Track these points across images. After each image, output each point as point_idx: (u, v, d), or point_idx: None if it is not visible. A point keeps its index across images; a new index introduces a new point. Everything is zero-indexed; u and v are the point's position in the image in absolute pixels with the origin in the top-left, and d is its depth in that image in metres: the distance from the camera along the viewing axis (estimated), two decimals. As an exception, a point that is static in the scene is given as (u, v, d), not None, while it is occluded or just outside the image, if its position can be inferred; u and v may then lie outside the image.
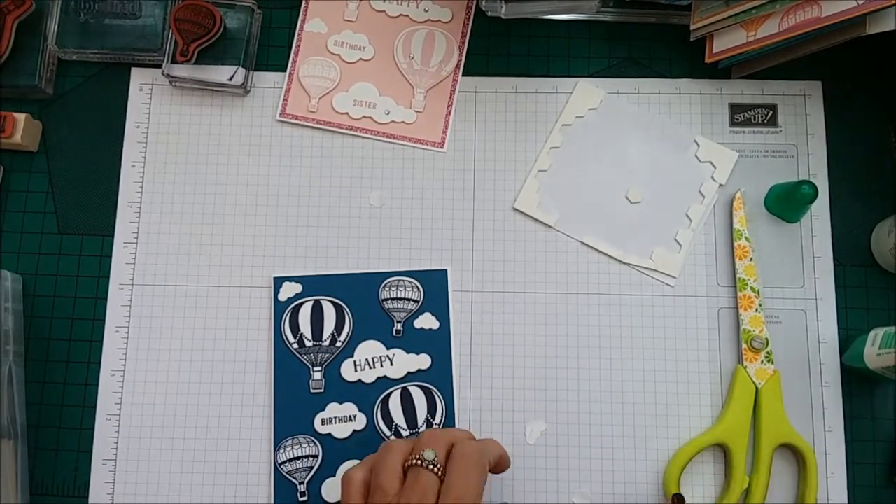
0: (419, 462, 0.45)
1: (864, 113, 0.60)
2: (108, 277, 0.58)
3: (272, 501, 0.54)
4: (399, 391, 0.56)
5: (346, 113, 0.60)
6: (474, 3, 0.61)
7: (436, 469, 0.45)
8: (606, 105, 0.60)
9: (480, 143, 0.60)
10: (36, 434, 0.56)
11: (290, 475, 0.54)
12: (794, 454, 0.55)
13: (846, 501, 0.54)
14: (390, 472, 0.46)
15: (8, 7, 0.59)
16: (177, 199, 0.59)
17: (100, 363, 0.57)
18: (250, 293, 0.58)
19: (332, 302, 0.57)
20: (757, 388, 0.55)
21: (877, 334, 0.52)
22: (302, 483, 0.54)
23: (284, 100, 0.60)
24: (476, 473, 0.45)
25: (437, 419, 0.55)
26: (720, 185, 0.58)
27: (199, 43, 0.59)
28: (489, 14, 0.56)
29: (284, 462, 0.55)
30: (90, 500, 0.55)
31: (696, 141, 0.59)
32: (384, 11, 0.62)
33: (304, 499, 0.54)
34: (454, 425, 0.55)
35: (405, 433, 0.55)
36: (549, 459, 0.55)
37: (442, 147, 0.60)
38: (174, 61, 0.59)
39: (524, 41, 0.61)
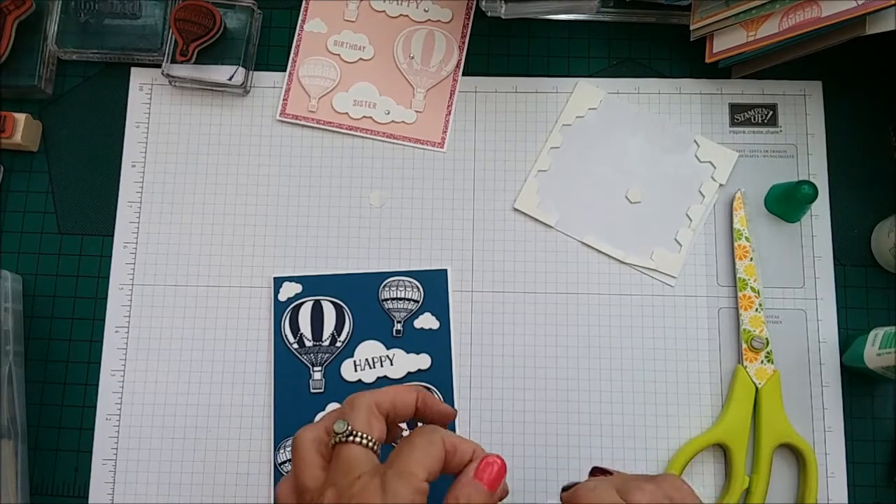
0: (336, 439, 0.39)
1: (864, 113, 0.60)
2: (108, 277, 0.58)
3: (272, 502, 0.54)
4: (399, 391, 0.56)
5: (346, 113, 0.60)
6: (474, 3, 0.61)
7: (357, 438, 0.38)
8: (606, 105, 0.60)
9: (480, 143, 0.60)
10: (36, 434, 0.56)
11: (290, 475, 0.54)
12: (794, 454, 0.55)
13: (846, 501, 0.54)
14: (307, 466, 0.39)
15: (8, 7, 0.59)
16: (177, 199, 0.59)
17: (100, 363, 0.57)
18: (250, 293, 0.58)
19: (332, 302, 0.57)
20: (757, 388, 0.55)
21: (877, 334, 0.52)
22: (302, 483, 0.54)
23: (284, 100, 0.60)
24: (421, 445, 0.38)
25: (437, 419, 0.55)
26: (720, 185, 0.58)
27: (198, 43, 0.59)
28: (489, 14, 0.56)
29: (284, 462, 0.55)
30: (90, 500, 0.55)
31: (696, 141, 0.59)
32: (384, 11, 0.62)
33: (304, 499, 0.54)
34: (454, 425, 0.55)
35: (405, 433, 0.55)
36: (548, 459, 0.55)
37: (442, 147, 0.60)
38: (174, 61, 0.59)
39: (524, 41, 0.62)
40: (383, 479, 0.36)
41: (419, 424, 0.44)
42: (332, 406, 0.55)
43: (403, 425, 0.46)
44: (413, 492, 0.36)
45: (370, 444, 0.38)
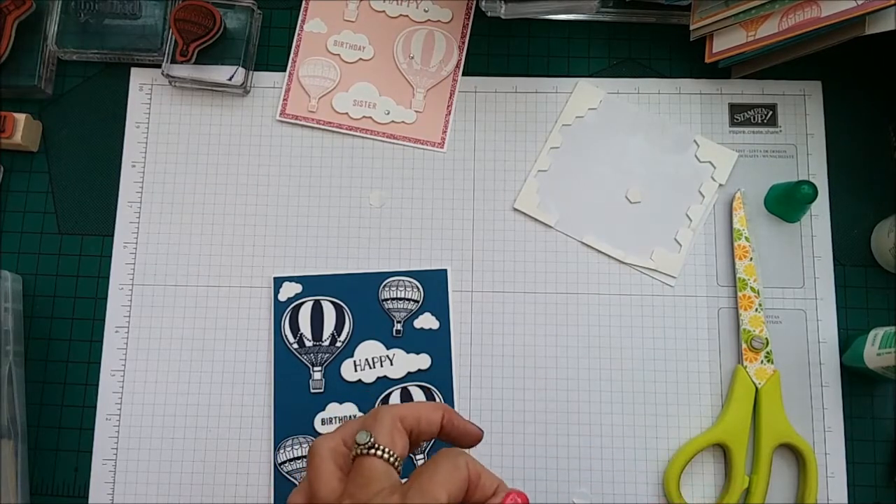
0: (357, 451, 0.37)
1: (864, 113, 0.60)
2: (108, 277, 0.58)
3: (272, 501, 0.54)
4: (399, 391, 0.56)
5: (346, 113, 0.60)
6: (474, 3, 0.61)
7: (380, 452, 0.37)
8: (606, 105, 0.60)
9: (480, 143, 0.60)
10: (36, 434, 0.56)
11: (290, 475, 0.54)
12: (794, 454, 0.55)
13: (846, 501, 0.54)
14: (324, 476, 0.38)
15: (8, 7, 0.59)
16: (177, 199, 0.59)
17: (100, 363, 0.57)
18: (250, 293, 0.58)
19: (332, 302, 0.57)
20: (757, 388, 0.55)
21: (877, 334, 0.52)
22: (302, 483, 0.54)
23: (284, 100, 0.60)
24: (445, 468, 0.37)
25: (437, 419, 0.55)
26: (720, 185, 0.58)
27: (198, 43, 0.59)
28: (489, 14, 0.56)
29: (284, 462, 0.55)
30: (90, 500, 0.55)
31: (695, 141, 0.59)
32: (384, 11, 0.62)
33: (304, 499, 0.54)
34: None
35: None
36: (548, 459, 0.55)
37: (442, 147, 0.60)
38: (174, 61, 0.59)
39: (524, 41, 0.62)
40: (404, 498, 0.35)
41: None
42: (332, 406, 0.55)
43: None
44: None
45: (392, 458, 0.37)
